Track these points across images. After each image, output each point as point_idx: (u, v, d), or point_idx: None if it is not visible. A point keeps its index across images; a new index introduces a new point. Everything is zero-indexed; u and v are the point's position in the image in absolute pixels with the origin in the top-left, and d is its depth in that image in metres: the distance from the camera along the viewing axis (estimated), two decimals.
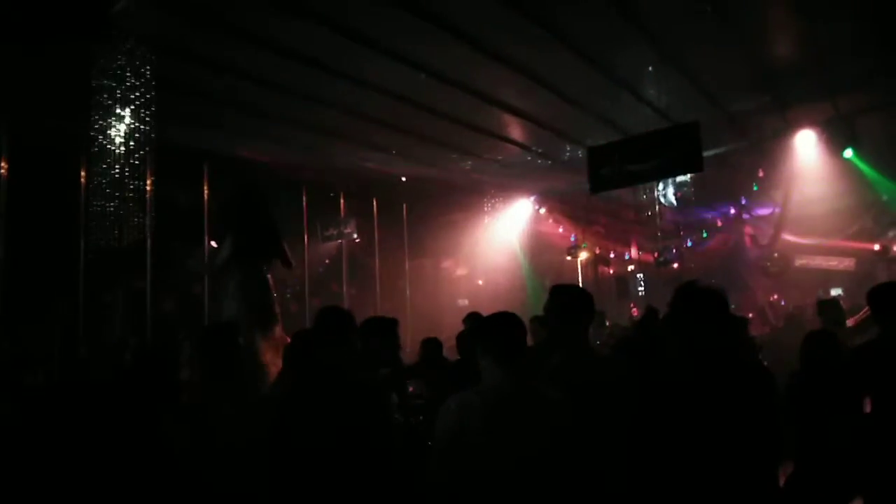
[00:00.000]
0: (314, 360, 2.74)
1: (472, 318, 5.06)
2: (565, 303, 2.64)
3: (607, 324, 8.41)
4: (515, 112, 8.33)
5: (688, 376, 2.34)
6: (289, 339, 5.16)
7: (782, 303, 12.90)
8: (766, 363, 5.49)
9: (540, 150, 10.01)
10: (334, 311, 2.75)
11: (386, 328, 3.51)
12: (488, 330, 2.34)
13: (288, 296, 10.33)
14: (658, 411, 2.30)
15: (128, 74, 5.48)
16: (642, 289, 15.40)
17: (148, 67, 5.37)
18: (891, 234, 13.60)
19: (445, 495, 2.18)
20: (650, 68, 7.25)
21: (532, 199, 13.12)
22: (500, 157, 10.18)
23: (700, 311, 2.36)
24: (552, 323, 2.68)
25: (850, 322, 5.61)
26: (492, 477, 2.13)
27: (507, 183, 11.83)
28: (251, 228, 6.09)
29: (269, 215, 6.37)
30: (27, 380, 4.87)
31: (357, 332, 2.83)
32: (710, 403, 2.26)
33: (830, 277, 13.79)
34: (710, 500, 2.23)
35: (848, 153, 9.63)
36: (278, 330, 5.80)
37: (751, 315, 11.24)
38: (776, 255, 14.01)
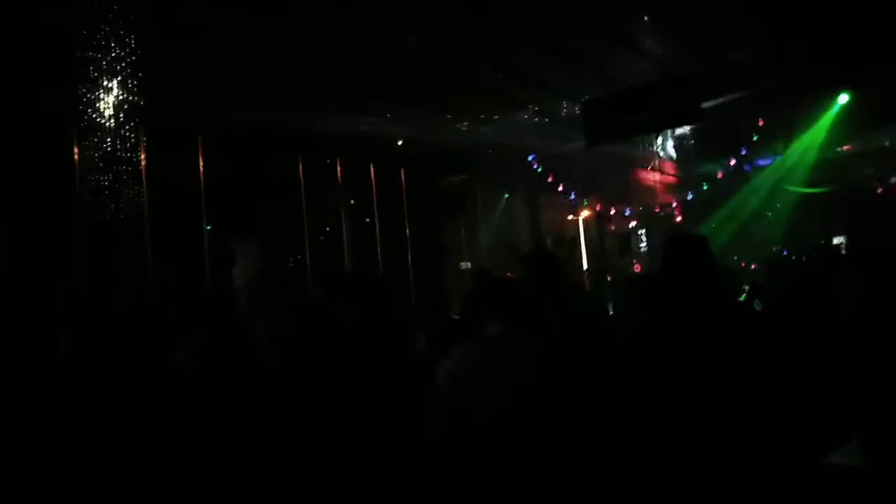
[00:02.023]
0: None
1: (481, 276, 5.09)
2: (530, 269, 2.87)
3: (608, 279, 8.47)
4: (510, 70, 8.21)
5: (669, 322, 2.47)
6: None
7: (784, 252, 12.89)
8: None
9: (536, 108, 9.90)
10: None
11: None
12: (493, 295, 2.55)
13: (291, 265, 10.34)
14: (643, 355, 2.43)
15: (112, 44, 5.39)
16: (644, 245, 15.40)
17: (133, 36, 5.27)
18: (892, 180, 13.52)
19: (446, 433, 2.33)
20: (646, 18, 7.12)
21: (531, 157, 13.02)
22: (496, 117, 10.08)
23: (681, 259, 2.50)
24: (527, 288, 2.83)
25: None
26: (491, 411, 2.27)
27: (505, 142, 11.73)
28: None
29: None
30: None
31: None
32: (692, 345, 2.35)
33: (831, 226, 13.76)
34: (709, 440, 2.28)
35: (843, 98, 9.50)
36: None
37: (753, 266, 11.28)
38: (778, 205, 13.97)
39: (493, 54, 7.69)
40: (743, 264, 11.26)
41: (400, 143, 10.76)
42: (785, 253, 12.41)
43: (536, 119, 10.34)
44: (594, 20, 6.90)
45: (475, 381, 2.31)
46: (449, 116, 9.82)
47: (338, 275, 2.78)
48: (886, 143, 13.01)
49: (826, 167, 13.33)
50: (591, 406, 2.34)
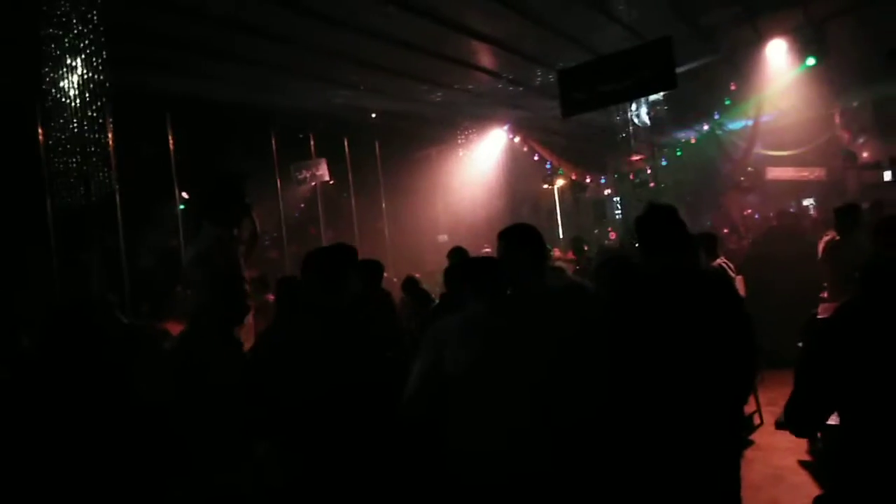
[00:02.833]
0: (308, 304, 2.75)
1: (456, 253, 5.11)
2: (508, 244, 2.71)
3: (585, 248, 8.52)
4: (483, 38, 8.12)
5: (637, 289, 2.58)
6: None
7: (756, 216, 13.10)
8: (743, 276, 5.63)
9: (510, 77, 9.83)
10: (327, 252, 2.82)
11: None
12: (472, 273, 2.58)
13: (266, 243, 10.23)
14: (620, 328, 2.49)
15: (74, 21, 5.20)
16: (619, 212, 15.52)
17: (94, 11, 5.08)
18: (860, 141, 13.76)
19: (423, 410, 2.37)
20: None
21: (506, 127, 12.97)
22: (470, 87, 9.99)
23: (648, 231, 2.60)
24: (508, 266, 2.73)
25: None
26: (470, 388, 2.31)
27: (480, 113, 11.67)
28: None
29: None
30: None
31: (354, 273, 2.85)
32: (664, 313, 2.42)
33: (802, 188, 14.00)
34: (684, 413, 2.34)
35: (811, 61, 9.59)
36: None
37: (725, 231, 11.45)
38: (749, 168, 14.13)
39: (466, 22, 7.59)
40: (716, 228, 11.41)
41: (374, 115, 10.63)
42: (756, 217, 12.63)
43: (511, 88, 10.27)
44: None
45: (457, 351, 2.34)
46: (423, 87, 9.71)
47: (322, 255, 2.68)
48: (854, 104, 13.22)
49: (794, 129, 13.50)
50: (571, 381, 2.36)
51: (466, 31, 7.82)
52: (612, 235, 14.32)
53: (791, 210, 10.82)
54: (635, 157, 11.92)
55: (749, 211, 13.83)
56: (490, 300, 2.45)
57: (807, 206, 13.70)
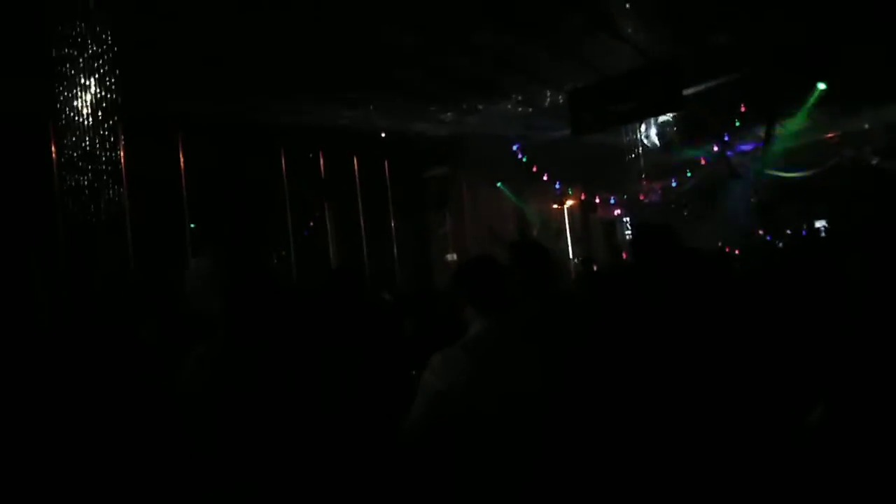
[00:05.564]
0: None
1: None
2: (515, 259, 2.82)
3: (595, 268, 8.49)
4: (493, 58, 8.16)
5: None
6: None
7: (768, 238, 13.01)
8: None
9: (520, 98, 9.87)
10: None
11: None
12: (465, 278, 2.35)
13: (275, 261, 10.25)
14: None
15: (89, 41, 5.27)
16: (629, 232, 15.47)
17: (109, 32, 5.15)
18: (873, 162, 13.67)
19: (427, 447, 2.22)
20: (627, 5, 7.09)
21: (515, 147, 12.99)
22: (479, 107, 10.03)
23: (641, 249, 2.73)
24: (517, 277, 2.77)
25: None
26: (479, 425, 2.15)
27: (489, 132, 11.70)
28: None
29: None
30: None
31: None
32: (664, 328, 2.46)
33: (814, 211, 13.92)
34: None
35: (821, 86, 9.58)
36: None
37: (737, 252, 11.37)
38: (761, 190, 14.07)
39: (476, 43, 7.63)
40: (727, 249, 11.33)
41: (383, 135, 10.68)
42: (769, 238, 12.54)
43: (520, 108, 10.30)
44: (577, 4, 6.87)
45: (461, 393, 2.15)
46: (432, 107, 9.75)
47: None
48: (866, 126, 13.16)
49: (806, 151, 13.45)
50: (580, 407, 2.28)
51: (475, 52, 7.87)
52: (623, 255, 14.25)
53: None
54: (645, 179, 11.91)
55: (762, 231, 13.75)
56: (491, 316, 2.27)
57: (819, 227, 13.62)
